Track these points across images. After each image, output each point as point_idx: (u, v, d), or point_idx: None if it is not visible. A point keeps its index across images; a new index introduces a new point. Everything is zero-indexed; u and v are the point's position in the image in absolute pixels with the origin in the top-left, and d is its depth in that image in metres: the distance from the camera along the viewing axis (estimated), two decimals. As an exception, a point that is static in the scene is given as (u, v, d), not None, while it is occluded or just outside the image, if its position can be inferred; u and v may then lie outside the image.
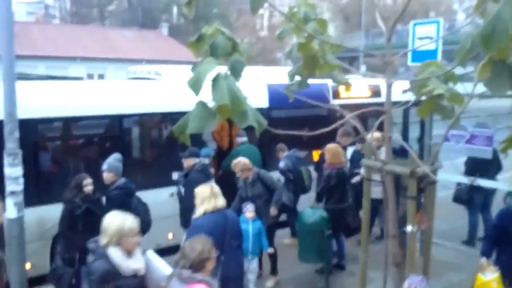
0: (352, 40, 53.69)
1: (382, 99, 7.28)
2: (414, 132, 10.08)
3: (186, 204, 5.84)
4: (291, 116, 8.64)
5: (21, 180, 4.84)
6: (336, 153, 6.64)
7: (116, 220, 3.45)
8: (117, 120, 6.94)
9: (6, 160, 4.73)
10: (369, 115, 7.88)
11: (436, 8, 61.55)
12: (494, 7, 2.36)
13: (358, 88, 9.22)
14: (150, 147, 7.89)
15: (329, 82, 5.64)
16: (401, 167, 3.10)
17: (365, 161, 3.43)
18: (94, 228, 4.79)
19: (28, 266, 5.52)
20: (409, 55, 6.90)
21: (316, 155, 8.66)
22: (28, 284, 5.22)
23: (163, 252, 5.16)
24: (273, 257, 6.45)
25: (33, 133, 6.21)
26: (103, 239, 3.41)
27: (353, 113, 3.23)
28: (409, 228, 3.12)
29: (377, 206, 5.92)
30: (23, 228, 4.92)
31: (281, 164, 7.31)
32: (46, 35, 32.57)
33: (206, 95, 2.44)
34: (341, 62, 3.54)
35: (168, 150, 7.60)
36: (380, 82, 8.95)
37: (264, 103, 8.11)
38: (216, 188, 4.63)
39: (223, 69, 2.59)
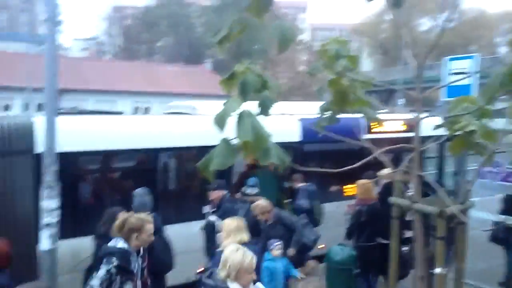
0: (391, 73, 53.31)
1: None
2: (450, 166, 9.81)
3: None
4: (323, 150, 8.62)
5: (57, 213, 4.96)
6: (367, 189, 6.53)
7: (237, 255, 3.44)
8: (152, 154, 7.11)
9: (44, 192, 4.87)
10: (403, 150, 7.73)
11: (477, 41, 60.40)
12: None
13: (392, 123, 9.09)
14: (183, 181, 8.02)
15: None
16: (430, 206, 3.03)
17: (394, 199, 3.36)
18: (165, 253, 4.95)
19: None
20: (444, 90, 6.80)
21: (350, 189, 8.57)
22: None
23: (193, 286, 5.18)
24: None
25: (70, 166, 6.44)
26: (221, 273, 3.44)
27: (381, 150, 3.20)
28: (438, 269, 3.01)
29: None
30: (56, 260, 5.02)
31: (301, 203, 7.29)
32: (97, 70, 34.17)
33: (233, 131, 2.50)
34: (375, 99, 3.53)
35: (200, 183, 7.70)
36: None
37: (296, 137, 8.15)
38: (242, 222, 4.63)
39: (254, 104, 2.64)
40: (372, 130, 7.95)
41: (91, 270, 6.10)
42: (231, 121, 2.47)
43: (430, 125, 3.32)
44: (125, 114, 8.89)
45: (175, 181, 7.91)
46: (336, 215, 8.54)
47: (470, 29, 56.64)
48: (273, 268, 5.78)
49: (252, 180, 7.42)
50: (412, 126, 9.15)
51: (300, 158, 8.07)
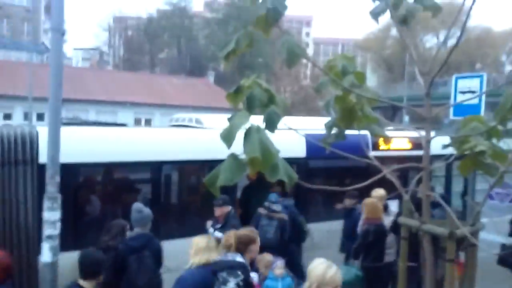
0: (396, 89, 53.49)
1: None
2: (457, 185, 9.75)
3: None
4: (329, 166, 8.59)
5: (59, 225, 4.92)
6: (375, 208, 6.47)
7: (320, 267, 3.43)
8: (155, 167, 7.07)
9: (46, 204, 4.83)
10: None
11: (482, 59, 60.78)
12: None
13: (399, 141, 9.07)
14: (186, 195, 7.98)
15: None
16: (440, 228, 2.97)
17: (402, 219, 3.31)
18: (137, 275, 4.83)
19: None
20: (452, 109, 6.78)
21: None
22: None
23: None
24: None
25: (72, 178, 6.39)
26: (306, 283, 3.43)
27: (390, 168, 3.15)
28: (447, 292, 2.95)
29: None
30: (57, 272, 4.96)
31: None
32: (99, 81, 34.28)
33: (241, 147, 2.46)
34: (380, 115, 3.49)
35: (205, 198, 7.65)
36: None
37: (302, 153, 8.13)
38: (213, 242, 4.54)
39: (260, 119, 2.61)
40: (380, 148, 7.92)
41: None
42: (239, 136, 2.43)
43: (438, 144, 3.27)
44: (128, 126, 8.84)
45: (180, 195, 7.87)
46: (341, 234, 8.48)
47: (476, 47, 56.99)
48: (273, 287, 5.70)
49: (274, 196, 7.29)
50: (419, 144, 9.19)
51: (308, 174, 8.06)
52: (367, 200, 6.60)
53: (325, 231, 8.36)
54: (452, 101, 6.77)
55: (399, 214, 7.50)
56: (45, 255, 4.85)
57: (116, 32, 61.41)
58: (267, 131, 2.54)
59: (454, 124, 6.02)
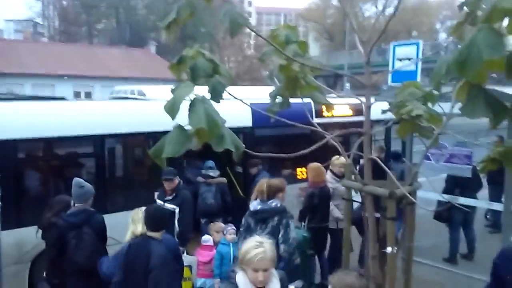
0: (338, 58, 54.40)
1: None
2: (396, 148, 10.19)
3: (186, 222, 6.23)
4: (275, 134, 8.74)
5: (-1, 203, 4.76)
6: (319, 172, 6.68)
7: (247, 245, 3.06)
8: (98, 140, 6.91)
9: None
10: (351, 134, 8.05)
11: (418, 27, 62.83)
12: (471, 30, 2.38)
13: (341, 107, 9.31)
14: (130, 168, 7.89)
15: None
16: (380, 189, 3.12)
17: (345, 181, 3.44)
18: (75, 252, 4.74)
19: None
20: (390, 76, 7.01)
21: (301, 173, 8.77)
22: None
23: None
24: None
25: (12, 155, 6.15)
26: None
27: (334, 134, 3.25)
28: (389, 249, 3.12)
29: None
30: (0, 250, 4.83)
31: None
32: (34, 53, 32.58)
33: (185, 118, 2.44)
34: (322, 83, 3.57)
35: (149, 170, 7.60)
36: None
37: (248, 123, 8.21)
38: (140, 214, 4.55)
39: (205, 90, 2.59)
40: (323, 115, 8.12)
41: (39, 262, 5.99)
42: (183, 107, 2.41)
43: (377, 109, 3.40)
44: (68, 99, 8.54)
45: (124, 169, 7.76)
46: (288, 198, 8.72)
47: (412, 16, 58.75)
48: (225, 252, 5.83)
49: (210, 162, 7.58)
50: (360, 110, 9.49)
51: (255, 144, 8.18)
52: (312, 165, 6.81)
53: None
54: (390, 68, 7.00)
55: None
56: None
57: (50, 3, 58.13)
58: (212, 102, 2.53)
59: (392, 90, 6.24)
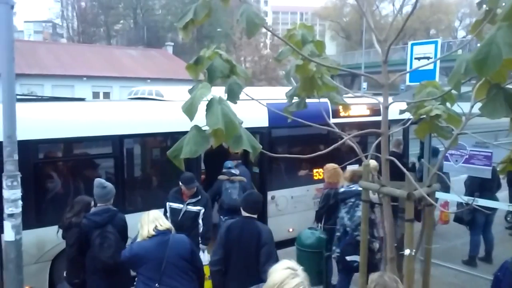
0: (354, 57, 54.07)
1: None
2: (415, 148, 10.10)
3: (209, 222, 6.44)
4: (292, 134, 8.72)
5: (20, 203, 4.83)
6: (335, 173, 6.65)
7: (280, 273, 2.55)
8: (117, 141, 6.97)
9: (5, 182, 4.72)
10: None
11: (436, 25, 62.09)
12: (490, 28, 2.35)
13: (358, 107, 9.24)
14: (149, 168, 7.95)
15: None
16: (398, 190, 3.09)
17: (362, 182, 3.42)
18: (100, 250, 4.81)
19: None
20: (408, 75, 6.94)
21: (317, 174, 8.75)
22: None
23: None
24: None
25: (32, 156, 6.25)
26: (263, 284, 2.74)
27: (352, 134, 3.23)
28: (407, 251, 3.09)
29: None
30: (21, 250, 4.90)
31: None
32: (53, 54, 33.01)
33: (203, 119, 2.45)
34: (339, 83, 3.56)
35: (168, 171, 7.65)
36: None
37: (264, 123, 8.21)
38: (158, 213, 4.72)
39: (222, 90, 2.60)
40: (340, 115, 8.07)
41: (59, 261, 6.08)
42: (200, 108, 2.42)
43: (395, 109, 3.37)
44: (87, 100, 8.63)
45: (142, 169, 7.83)
46: (304, 199, 8.71)
47: (430, 13, 58.10)
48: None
49: (229, 163, 7.89)
50: (377, 110, 9.41)
51: (271, 143, 8.21)
52: (327, 166, 6.79)
53: (289, 197, 8.58)
54: (408, 67, 6.92)
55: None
56: (8, 234, 4.78)
57: (69, 4, 58.86)
58: (229, 102, 2.54)
59: (410, 90, 6.18)
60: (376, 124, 3.40)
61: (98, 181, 5.31)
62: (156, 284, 4.30)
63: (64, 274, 5.23)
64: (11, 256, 4.81)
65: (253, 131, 2.70)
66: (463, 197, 6.71)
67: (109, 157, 7.08)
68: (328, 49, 4.27)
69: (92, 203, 5.24)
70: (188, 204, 6.29)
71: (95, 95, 31.66)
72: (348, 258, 5.66)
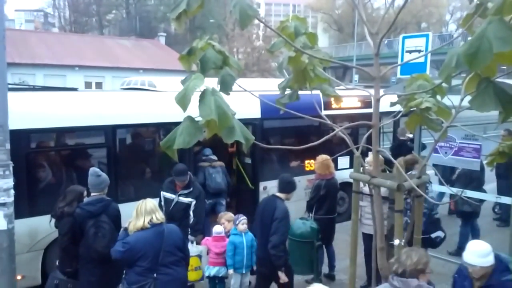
0: (346, 49, 54.08)
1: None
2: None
3: (200, 213, 6.40)
4: (284, 126, 8.76)
5: (12, 192, 4.83)
6: (326, 164, 6.71)
7: None
8: (110, 131, 6.96)
9: (-3, 171, 4.72)
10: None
11: (427, 19, 62.20)
12: (481, 22, 2.37)
13: (350, 100, 9.29)
14: (141, 158, 7.96)
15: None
16: (388, 181, 3.13)
17: (353, 174, 3.46)
18: (94, 240, 4.82)
19: (19, 277, 5.52)
20: (399, 68, 6.98)
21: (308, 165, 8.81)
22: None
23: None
24: None
25: (24, 145, 6.23)
26: None
27: (343, 126, 3.26)
28: (396, 241, 3.14)
29: None
30: (14, 239, 4.91)
31: None
32: (45, 44, 32.66)
33: (196, 109, 2.46)
34: (331, 75, 3.58)
35: (160, 161, 7.66)
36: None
37: (257, 114, 8.23)
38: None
39: (214, 81, 2.61)
40: (331, 107, 8.11)
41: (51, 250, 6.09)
42: (193, 98, 2.43)
43: (386, 101, 3.40)
44: (79, 90, 8.59)
45: (136, 159, 7.83)
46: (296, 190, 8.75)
47: (421, 7, 58.19)
48: (238, 242, 5.89)
49: (207, 150, 8.30)
50: (368, 102, 9.46)
51: (263, 135, 8.26)
52: (319, 157, 6.87)
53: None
54: (399, 60, 6.96)
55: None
56: (0, 223, 4.78)
57: (61, -7, 58.24)
58: (221, 93, 2.55)
59: (401, 83, 6.21)
60: (368, 116, 3.43)
61: (93, 169, 5.32)
62: (154, 274, 4.33)
63: (57, 263, 5.23)
64: (4, 245, 4.83)
65: (246, 122, 2.72)
66: (452, 188, 6.79)
67: (101, 147, 7.07)
68: (320, 41, 4.29)
69: (85, 193, 5.24)
70: (179, 195, 6.30)
71: (88, 85, 31.40)
72: (433, 235, 5.95)
